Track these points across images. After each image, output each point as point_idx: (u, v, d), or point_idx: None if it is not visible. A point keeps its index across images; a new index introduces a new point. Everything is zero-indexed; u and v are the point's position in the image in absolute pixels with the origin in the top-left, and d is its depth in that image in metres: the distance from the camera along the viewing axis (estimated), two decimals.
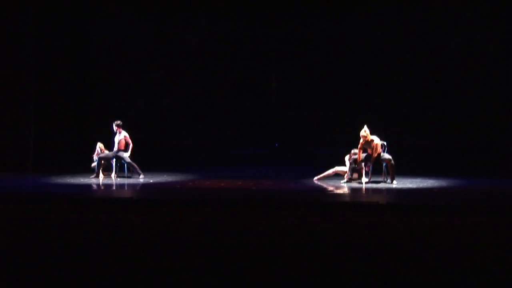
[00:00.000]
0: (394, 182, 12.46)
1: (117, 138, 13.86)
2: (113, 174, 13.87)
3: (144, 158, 14.05)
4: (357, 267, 6.04)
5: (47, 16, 15.90)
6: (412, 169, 13.70)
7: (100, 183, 13.18)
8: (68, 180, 13.31)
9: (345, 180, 12.78)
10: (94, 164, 14.01)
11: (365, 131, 12.49)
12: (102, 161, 13.87)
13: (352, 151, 12.83)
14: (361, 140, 12.52)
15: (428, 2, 15.97)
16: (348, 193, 11.92)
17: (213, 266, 6.08)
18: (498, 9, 15.37)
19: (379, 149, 12.57)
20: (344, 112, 16.22)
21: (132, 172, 13.87)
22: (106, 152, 13.99)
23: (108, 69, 16.80)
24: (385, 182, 12.67)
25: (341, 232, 7.83)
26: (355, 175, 12.91)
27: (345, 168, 12.98)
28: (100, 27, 16.70)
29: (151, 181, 13.37)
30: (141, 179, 13.58)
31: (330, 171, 13.19)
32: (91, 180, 13.47)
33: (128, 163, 13.78)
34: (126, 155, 13.78)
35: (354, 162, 12.68)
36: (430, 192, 11.57)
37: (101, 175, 13.78)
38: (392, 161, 12.53)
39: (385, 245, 6.92)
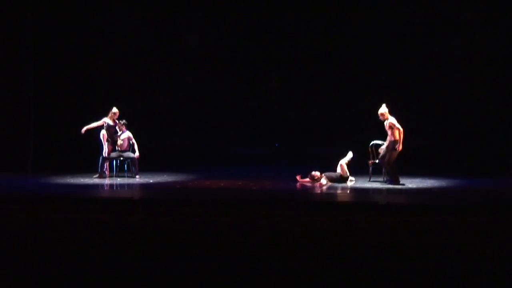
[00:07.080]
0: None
1: (120, 138, 13.84)
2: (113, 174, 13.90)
3: (144, 158, 14.05)
4: (357, 267, 6.04)
5: (47, 14, 15.90)
6: (412, 169, 13.70)
7: (103, 183, 13.19)
8: (68, 180, 13.31)
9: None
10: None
11: (384, 110, 12.27)
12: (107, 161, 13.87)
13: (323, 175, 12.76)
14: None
15: (428, 1, 15.98)
16: (348, 193, 11.92)
17: (213, 266, 6.08)
18: (498, 9, 15.37)
19: (401, 136, 12.19)
20: (344, 112, 16.22)
21: (132, 172, 13.86)
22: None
23: (108, 69, 16.79)
24: (384, 182, 12.70)
25: (341, 232, 7.83)
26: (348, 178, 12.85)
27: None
28: (101, 26, 16.70)
29: (151, 181, 13.37)
30: (137, 178, 13.58)
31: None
32: (95, 180, 13.46)
33: (132, 160, 13.73)
34: (132, 153, 13.77)
35: (388, 164, 12.39)
36: (430, 192, 11.57)
37: (105, 174, 13.78)
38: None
39: (385, 245, 6.92)
